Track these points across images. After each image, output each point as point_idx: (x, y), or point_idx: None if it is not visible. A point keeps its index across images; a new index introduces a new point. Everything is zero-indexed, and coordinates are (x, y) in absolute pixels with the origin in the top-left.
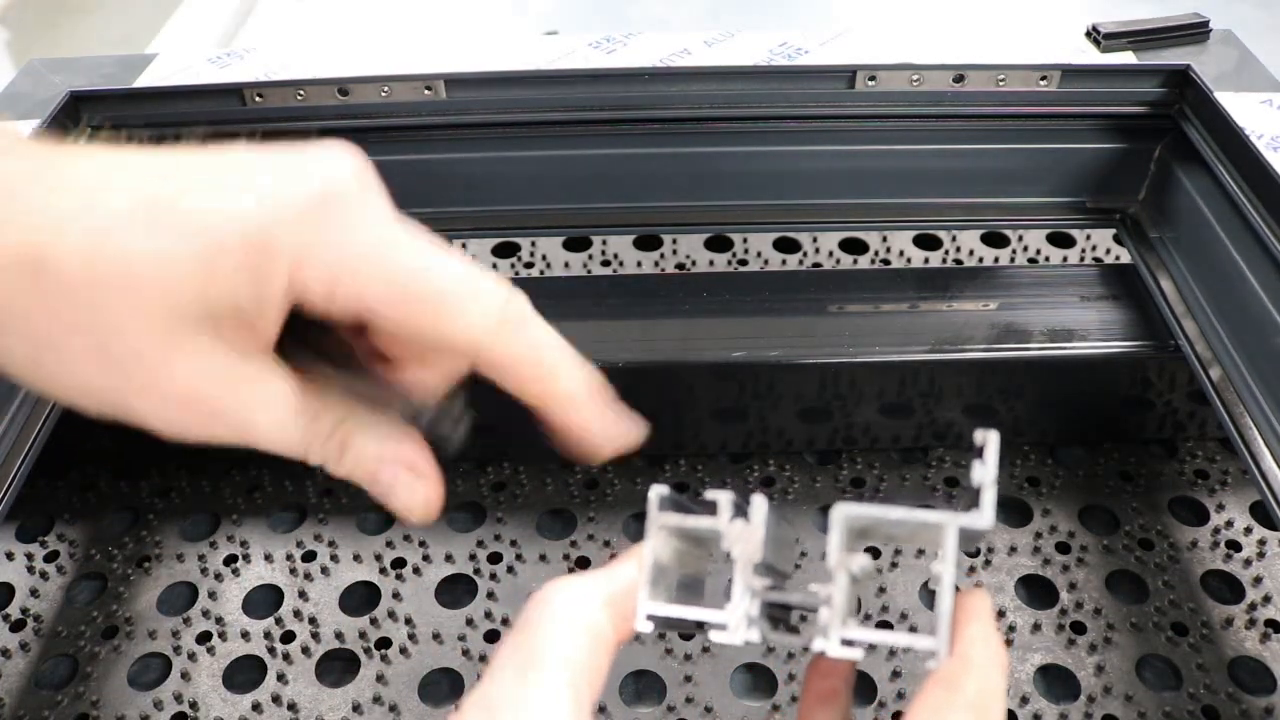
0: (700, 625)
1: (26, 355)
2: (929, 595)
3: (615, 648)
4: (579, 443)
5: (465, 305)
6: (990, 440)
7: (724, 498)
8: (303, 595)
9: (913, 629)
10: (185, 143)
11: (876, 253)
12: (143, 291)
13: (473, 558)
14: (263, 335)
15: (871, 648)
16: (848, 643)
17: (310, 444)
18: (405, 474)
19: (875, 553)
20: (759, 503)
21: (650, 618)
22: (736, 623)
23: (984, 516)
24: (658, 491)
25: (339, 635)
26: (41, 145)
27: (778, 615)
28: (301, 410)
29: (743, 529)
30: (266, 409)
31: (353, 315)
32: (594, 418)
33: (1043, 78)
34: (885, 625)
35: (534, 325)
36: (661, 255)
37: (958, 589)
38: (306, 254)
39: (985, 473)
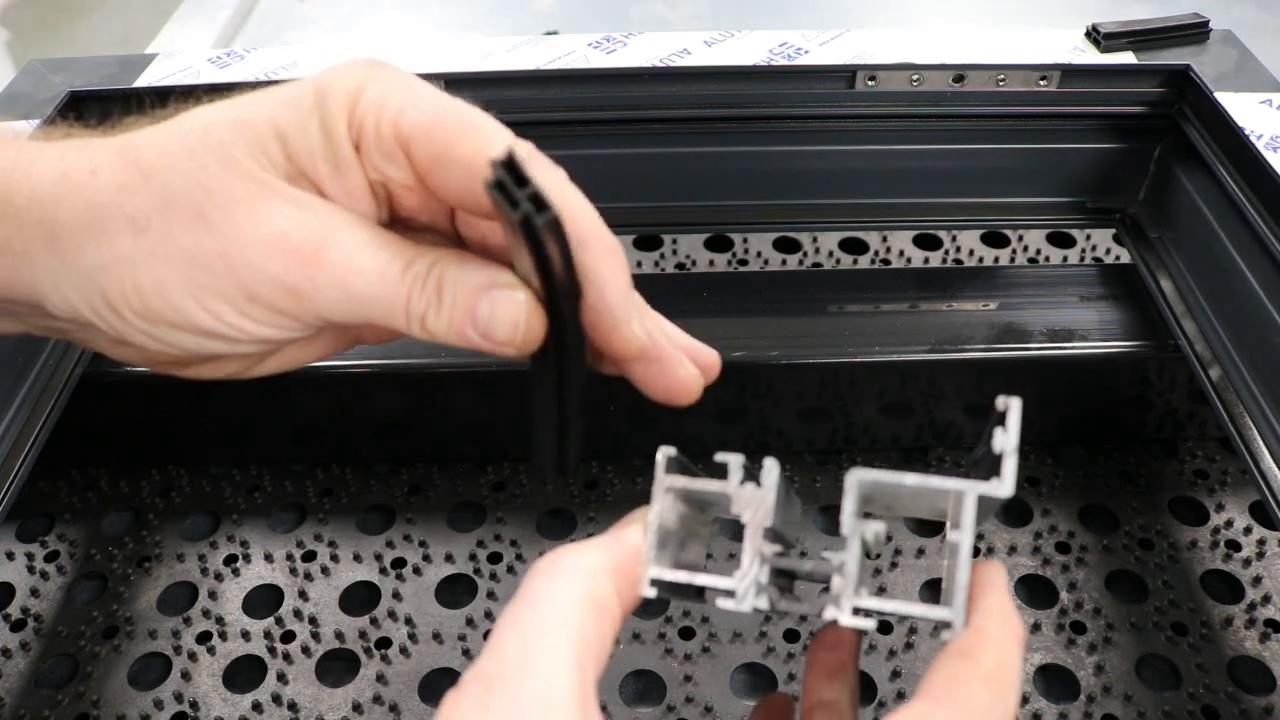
0: (701, 592)
1: (126, 249)
2: (930, 594)
3: (620, 618)
4: (603, 330)
5: (492, 131)
6: (1013, 407)
7: (734, 460)
8: (303, 595)
9: (913, 628)
10: None
11: (876, 253)
12: (229, 150)
13: (473, 558)
14: (347, 184)
15: (883, 627)
16: (860, 611)
17: (411, 289)
18: (503, 291)
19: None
20: (770, 466)
21: (655, 583)
22: (745, 589)
23: (1005, 485)
24: (665, 452)
25: (339, 635)
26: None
27: (784, 584)
28: (400, 250)
29: (753, 493)
30: (367, 249)
31: (394, 143)
32: (622, 282)
33: (1043, 78)
34: (884, 624)
35: (546, 162)
36: (661, 255)
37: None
38: (360, 91)
39: (1007, 440)
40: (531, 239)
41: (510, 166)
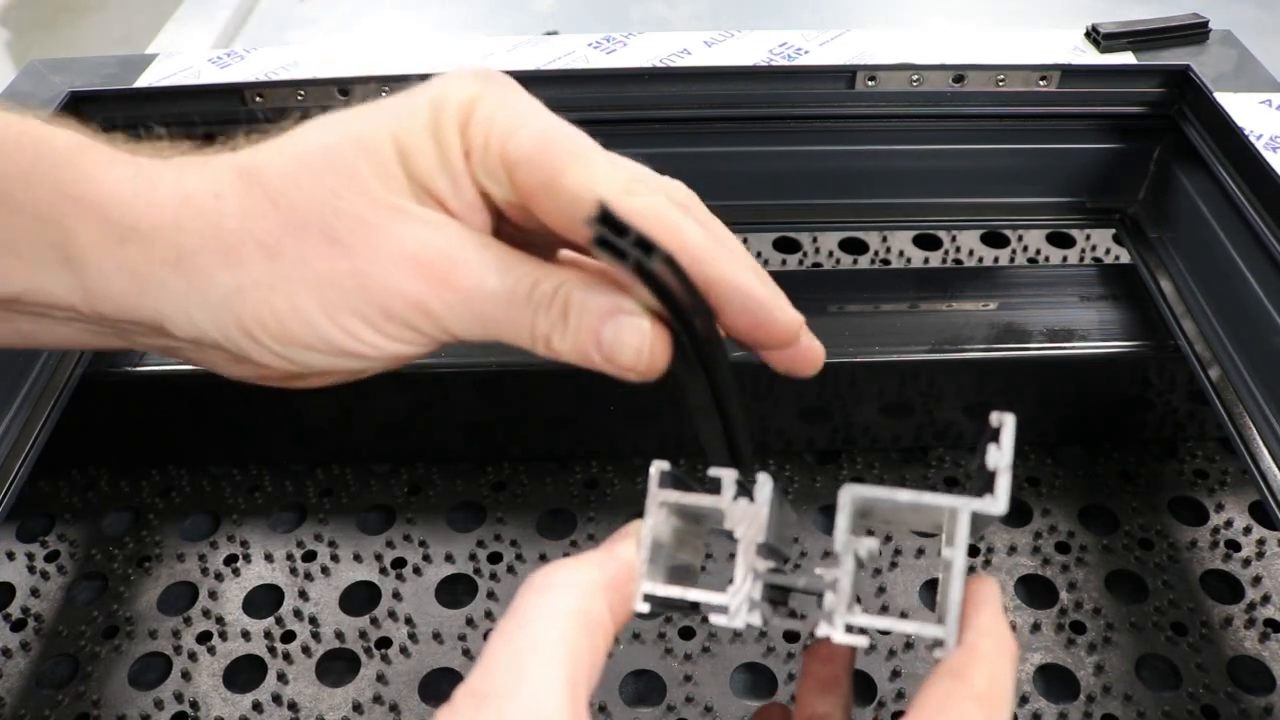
0: (695, 607)
1: (259, 273)
2: (930, 595)
3: (613, 634)
4: (761, 324)
5: (596, 162)
6: (1007, 423)
7: (728, 475)
8: (303, 595)
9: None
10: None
11: (876, 253)
12: (355, 173)
13: (473, 558)
14: (463, 198)
15: (872, 645)
16: (853, 629)
17: (537, 311)
18: (628, 316)
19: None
20: (764, 481)
21: (648, 598)
22: (738, 605)
23: (998, 502)
24: (659, 467)
25: (339, 635)
26: None
27: (777, 599)
28: (527, 270)
29: (746, 508)
30: (495, 271)
31: (499, 164)
32: (753, 277)
33: (1042, 78)
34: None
35: (659, 194)
36: None
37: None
38: (474, 105)
39: (1001, 457)
40: (650, 282)
41: (606, 219)
